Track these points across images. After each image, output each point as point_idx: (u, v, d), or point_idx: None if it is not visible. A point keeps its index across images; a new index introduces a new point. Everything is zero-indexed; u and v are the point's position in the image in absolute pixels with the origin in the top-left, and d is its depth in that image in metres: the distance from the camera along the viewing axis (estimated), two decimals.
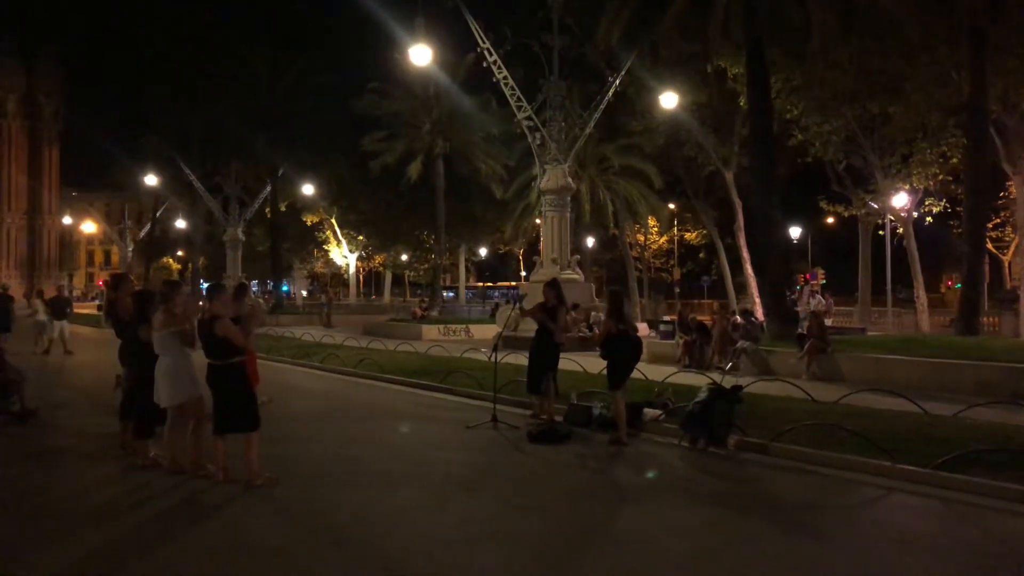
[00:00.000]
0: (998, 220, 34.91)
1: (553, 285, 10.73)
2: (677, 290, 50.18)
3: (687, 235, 50.65)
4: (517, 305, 11.96)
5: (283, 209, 50.28)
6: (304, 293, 65.83)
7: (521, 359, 13.83)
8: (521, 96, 25.38)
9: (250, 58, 41.97)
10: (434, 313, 34.30)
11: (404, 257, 58.97)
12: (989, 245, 33.47)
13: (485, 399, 11.49)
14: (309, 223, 59.02)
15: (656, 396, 11.25)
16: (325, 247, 62.97)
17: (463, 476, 7.87)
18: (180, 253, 67.55)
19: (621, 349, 9.59)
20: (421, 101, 39.36)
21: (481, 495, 7.19)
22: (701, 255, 51.61)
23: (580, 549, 5.73)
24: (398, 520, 6.30)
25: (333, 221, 57.41)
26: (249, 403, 7.40)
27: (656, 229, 47.75)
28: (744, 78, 23.31)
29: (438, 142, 39.61)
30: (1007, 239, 35.90)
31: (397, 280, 70.38)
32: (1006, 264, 38.54)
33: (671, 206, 44.67)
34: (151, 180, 46.63)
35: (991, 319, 29.78)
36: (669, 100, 27.69)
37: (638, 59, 26.60)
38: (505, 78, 25.14)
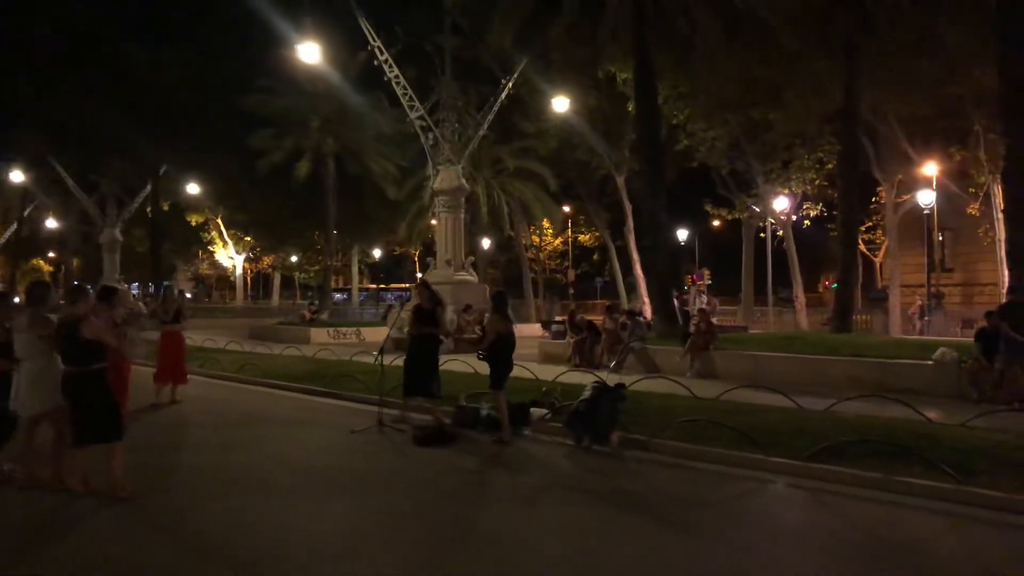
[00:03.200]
0: (870, 224, 36.92)
1: (424, 286, 10.81)
2: (572, 291, 50.88)
3: (581, 237, 51.41)
4: (402, 309, 11.87)
5: (166, 209, 48.13)
6: (188, 296, 63.16)
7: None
8: (413, 96, 25.12)
9: (129, 51, 39.94)
10: (324, 316, 33.53)
11: (294, 258, 57.43)
12: (862, 247, 35.39)
13: (373, 403, 11.24)
14: (194, 223, 56.60)
15: (544, 395, 11.28)
16: (211, 248, 60.65)
17: (345, 482, 7.70)
18: (52, 255, 63.55)
19: (505, 349, 9.58)
20: (310, 99, 38.41)
21: (363, 501, 7.04)
22: (595, 256, 52.46)
23: (461, 553, 5.64)
24: (275, 530, 6.08)
25: (219, 221, 55.33)
26: (112, 412, 6.97)
27: (551, 231, 48.27)
28: (633, 83, 23.79)
29: (328, 141, 38.80)
30: (879, 241, 38.01)
31: (287, 282, 68.48)
32: (878, 265, 40.83)
33: (566, 208, 45.22)
34: (17, 176, 43.70)
35: (864, 317, 31.49)
36: (561, 104, 28.00)
37: (531, 62, 26.80)
38: (396, 77, 24.83)
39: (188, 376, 13.20)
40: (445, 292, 24.48)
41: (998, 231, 24.72)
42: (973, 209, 29.70)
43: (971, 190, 29.49)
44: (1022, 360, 12.16)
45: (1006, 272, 16.64)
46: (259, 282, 78.46)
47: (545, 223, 44.32)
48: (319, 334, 26.39)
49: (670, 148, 29.45)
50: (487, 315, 10.26)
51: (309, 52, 25.19)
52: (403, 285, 49.34)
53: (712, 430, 8.87)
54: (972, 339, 13.72)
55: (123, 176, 42.51)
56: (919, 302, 28.33)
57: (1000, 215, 23.26)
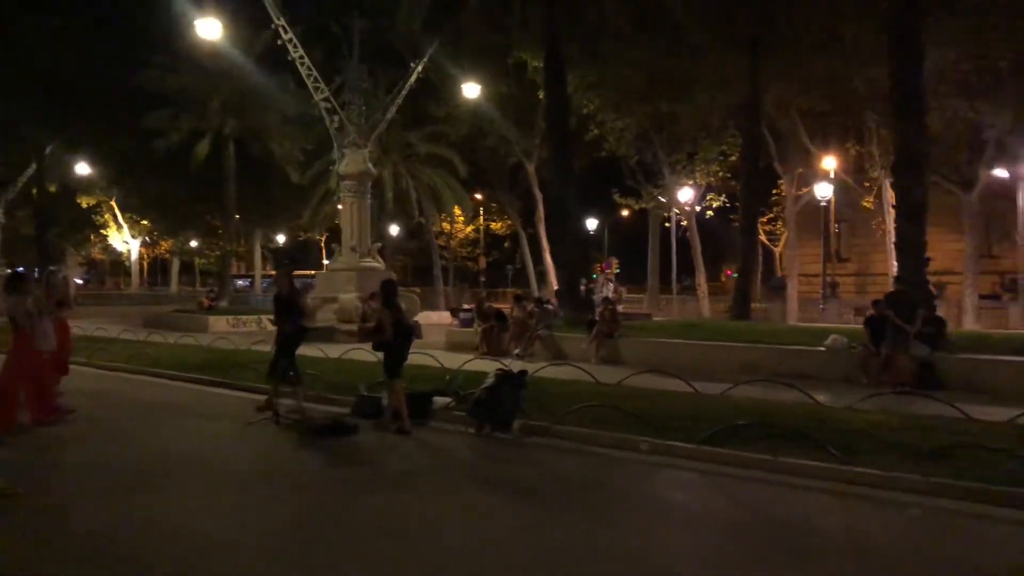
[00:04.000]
0: (771, 215, 38.14)
1: (285, 275, 10.76)
2: (482, 279, 50.81)
3: (493, 225, 51.25)
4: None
5: (53, 191, 45.46)
6: (79, 282, 59.88)
7: (309, 351, 13.30)
8: (318, 77, 24.45)
9: (12, 20, 37.37)
10: (224, 303, 32.43)
11: (193, 244, 55.26)
12: (763, 238, 36.59)
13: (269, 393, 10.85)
14: (85, 206, 53.66)
15: (447, 384, 11.14)
16: (104, 232, 57.67)
17: (238, 475, 7.45)
18: None
19: (398, 338, 9.41)
20: (212, 78, 36.89)
21: (256, 494, 6.81)
22: (506, 244, 52.39)
23: (356, 544, 5.47)
24: (163, 526, 5.82)
25: (113, 204, 52.67)
26: None
27: (462, 218, 48.00)
28: (543, 72, 23.82)
29: (229, 121, 37.38)
30: (779, 232, 39.30)
31: (187, 268, 65.87)
32: (777, 255, 42.24)
33: (477, 196, 45.06)
34: None
35: (764, 305, 32.60)
36: (471, 90, 27.78)
37: (442, 47, 26.49)
38: (301, 57, 24.12)
39: (69, 367, 12.45)
40: (350, 279, 24.23)
41: (888, 223, 25.88)
42: (867, 202, 31.06)
43: (865, 184, 30.82)
44: (906, 346, 12.73)
45: (895, 263, 17.38)
46: (156, 268, 75.25)
47: (456, 210, 44.03)
48: (218, 322, 25.50)
49: (580, 138, 29.66)
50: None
51: (209, 28, 24.17)
52: (309, 272, 47.75)
53: (613, 415, 8.92)
54: (862, 326, 14.29)
55: (7, 155, 39.96)
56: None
57: (891, 208, 24.35)
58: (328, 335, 18.94)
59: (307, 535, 5.67)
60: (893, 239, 17.79)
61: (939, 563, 5.28)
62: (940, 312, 14.54)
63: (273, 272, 69.34)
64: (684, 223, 35.02)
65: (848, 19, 22.12)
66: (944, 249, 25.53)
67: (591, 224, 49.19)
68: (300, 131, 37.21)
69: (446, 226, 47.44)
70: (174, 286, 61.35)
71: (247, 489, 6.92)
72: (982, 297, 27.89)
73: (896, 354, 12.72)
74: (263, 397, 10.76)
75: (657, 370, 11.91)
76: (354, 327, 21.87)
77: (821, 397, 10.18)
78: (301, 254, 62.23)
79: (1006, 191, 27.30)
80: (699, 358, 14.69)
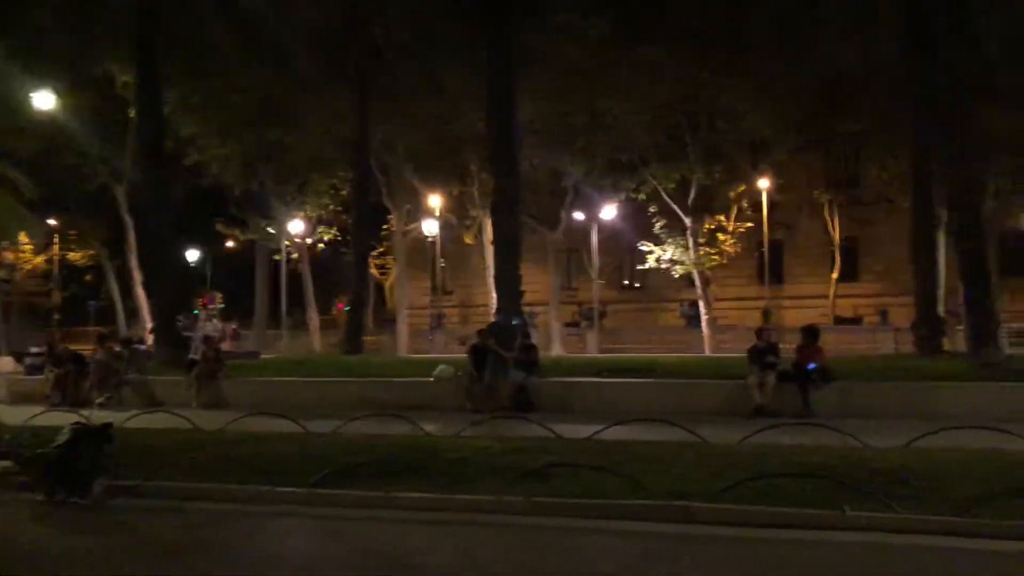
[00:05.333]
0: (382, 249, 39.10)
1: None
2: (57, 317, 44.39)
3: (72, 255, 44.89)
4: None
5: None
6: None
7: None
8: None
9: None
10: None
11: None
12: (374, 271, 37.39)
13: None
14: None
15: (7, 443, 9.25)
16: None
17: None
18: None
19: None
20: None
21: None
22: (88, 277, 46.41)
23: None
24: None
25: None
26: None
27: (30, 247, 41.30)
28: (135, 87, 21.69)
29: None
30: (389, 266, 40.40)
31: None
32: (388, 289, 43.38)
33: (52, 221, 39.29)
34: None
35: (376, 338, 33.25)
36: (45, 100, 24.20)
37: (7, 47, 22.80)
38: None
39: None
40: None
41: (488, 259, 27.99)
42: (469, 239, 33.39)
43: (467, 223, 33.12)
44: (505, 372, 13.69)
45: (495, 295, 18.70)
46: None
47: (22, 237, 37.79)
48: None
49: (179, 161, 27.54)
50: None
51: None
52: None
53: (217, 464, 8.18)
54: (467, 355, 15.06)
55: None
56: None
57: (490, 245, 26.41)
58: None
59: None
60: (492, 273, 19.18)
61: None
62: (533, 340, 15.94)
63: None
64: (295, 256, 34.32)
65: (449, 68, 23.66)
66: (535, 282, 28.29)
67: (192, 255, 46.00)
68: None
69: (10, 256, 40.33)
70: None
71: None
72: (565, 325, 31.56)
73: (496, 380, 13.60)
74: None
75: (266, 411, 11.23)
76: None
77: (431, 427, 10.38)
78: None
79: (583, 231, 31.34)
80: (312, 395, 14.38)
